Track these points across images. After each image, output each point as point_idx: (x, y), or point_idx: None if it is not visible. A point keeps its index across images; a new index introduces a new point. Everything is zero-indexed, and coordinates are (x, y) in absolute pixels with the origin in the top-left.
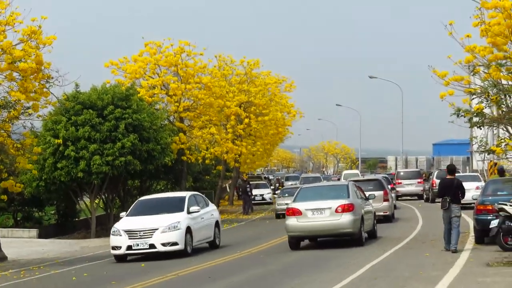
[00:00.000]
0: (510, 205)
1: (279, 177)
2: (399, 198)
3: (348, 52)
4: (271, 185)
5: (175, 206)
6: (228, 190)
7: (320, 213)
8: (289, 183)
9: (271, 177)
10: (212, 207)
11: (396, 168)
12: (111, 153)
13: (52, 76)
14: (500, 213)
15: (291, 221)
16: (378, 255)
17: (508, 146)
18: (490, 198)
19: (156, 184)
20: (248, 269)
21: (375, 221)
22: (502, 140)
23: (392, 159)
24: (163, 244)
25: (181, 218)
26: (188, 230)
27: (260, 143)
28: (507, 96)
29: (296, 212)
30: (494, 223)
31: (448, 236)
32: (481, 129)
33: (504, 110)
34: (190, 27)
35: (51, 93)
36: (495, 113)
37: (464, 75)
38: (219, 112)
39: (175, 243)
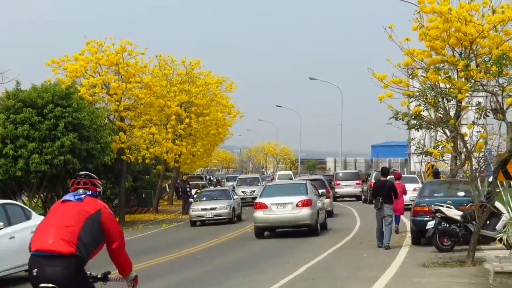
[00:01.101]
0: (447, 207)
1: (219, 178)
2: (338, 199)
3: (288, 53)
4: (212, 186)
5: None
6: (167, 190)
7: (283, 207)
8: (230, 183)
9: (213, 178)
10: (35, 221)
11: (335, 170)
12: (50, 152)
13: None
14: (437, 214)
15: (258, 214)
16: (317, 254)
17: (445, 149)
18: (426, 199)
19: None
20: (186, 269)
21: (326, 215)
22: (439, 143)
23: (331, 160)
24: None
25: None
26: None
27: (201, 143)
28: (444, 99)
29: (262, 206)
30: (431, 225)
31: (380, 234)
32: (418, 131)
33: (441, 113)
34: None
35: None
36: (432, 115)
37: (402, 78)
38: (160, 111)
39: None
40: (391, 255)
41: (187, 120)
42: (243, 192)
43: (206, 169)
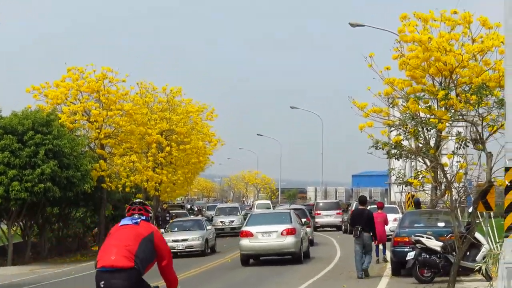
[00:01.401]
0: (427, 238)
1: (200, 207)
2: (318, 229)
3: (269, 81)
4: (194, 215)
5: None
6: None
7: (269, 235)
8: (211, 212)
9: (194, 207)
10: None
11: (315, 199)
12: (31, 179)
13: None
14: (417, 245)
15: (245, 242)
16: (297, 285)
17: (425, 179)
18: (407, 230)
19: (76, 212)
20: None
21: (308, 243)
22: (419, 173)
23: (311, 189)
24: None
25: None
26: None
27: (181, 172)
28: (424, 128)
29: (248, 234)
30: (411, 255)
31: (360, 265)
32: (399, 160)
33: (422, 142)
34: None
35: None
36: (413, 145)
37: (383, 107)
38: (140, 139)
39: None
40: (371, 286)
41: (167, 148)
42: (221, 222)
43: (186, 198)
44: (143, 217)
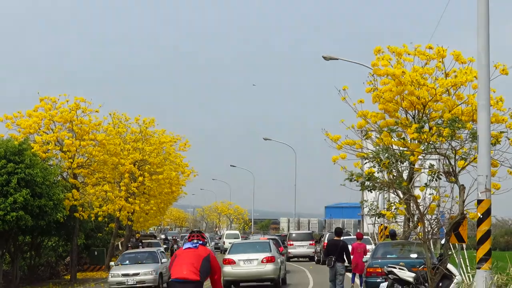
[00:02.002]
0: (399, 268)
1: (176, 237)
2: (291, 259)
3: (242, 112)
4: (169, 244)
5: None
6: (120, 248)
7: (250, 263)
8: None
9: (169, 237)
10: None
11: (288, 230)
12: (3, 208)
13: None
14: (389, 276)
15: (227, 269)
16: None
17: (398, 210)
18: (379, 261)
19: (48, 240)
20: None
21: (285, 270)
22: (392, 204)
23: (284, 220)
24: None
25: None
26: None
27: (154, 202)
28: (398, 161)
29: (231, 262)
30: (383, 286)
31: None
32: (372, 192)
33: (395, 174)
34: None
35: None
36: (386, 177)
37: (356, 139)
38: (113, 169)
39: None
40: None
41: (140, 178)
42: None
43: (159, 227)
44: (201, 242)
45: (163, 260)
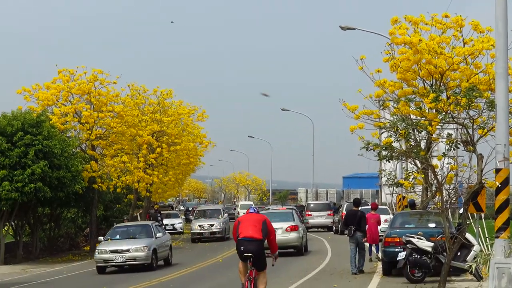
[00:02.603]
0: (418, 238)
1: (195, 207)
2: (309, 230)
3: (260, 83)
4: (190, 216)
5: None
6: (139, 219)
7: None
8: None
9: (190, 208)
10: None
11: (306, 200)
12: (21, 180)
13: None
14: (408, 245)
15: None
16: (287, 285)
17: (416, 180)
18: (398, 230)
19: (67, 212)
20: None
21: (306, 238)
22: (410, 174)
23: (302, 191)
24: None
25: None
26: None
27: (172, 173)
28: (415, 130)
29: None
30: (402, 255)
31: (354, 261)
32: (389, 162)
33: (412, 144)
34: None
35: None
36: (403, 147)
37: (374, 109)
38: (131, 141)
39: None
40: (362, 286)
41: (158, 149)
42: (200, 226)
43: (177, 199)
44: (255, 210)
45: (157, 235)
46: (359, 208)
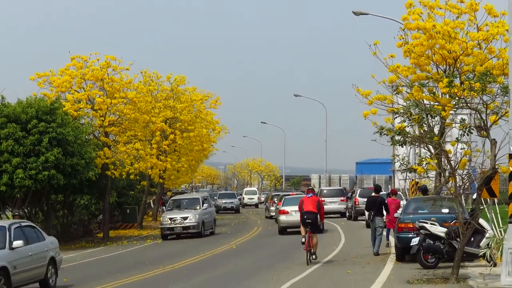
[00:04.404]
0: (431, 224)
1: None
2: None
3: (272, 69)
4: None
5: None
6: (152, 205)
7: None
8: (223, 201)
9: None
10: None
11: (319, 186)
12: (35, 167)
13: None
14: (421, 231)
15: (282, 218)
16: (301, 271)
17: (429, 165)
18: (411, 216)
19: (80, 199)
20: (172, 284)
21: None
22: (423, 159)
23: (315, 177)
24: None
25: None
26: None
27: (185, 159)
28: (428, 115)
29: (285, 212)
30: (415, 241)
31: (373, 242)
32: (403, 147)
33: (426, 129)
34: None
35: None
36: (417, 132)
37: (387, 95)
38: (144, 127)
39: None
40: (376, 271)
41: (171, 136)
42: (170, 219)
43: (190, 185)
44: (313, 194)
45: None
46: (379, 194)
